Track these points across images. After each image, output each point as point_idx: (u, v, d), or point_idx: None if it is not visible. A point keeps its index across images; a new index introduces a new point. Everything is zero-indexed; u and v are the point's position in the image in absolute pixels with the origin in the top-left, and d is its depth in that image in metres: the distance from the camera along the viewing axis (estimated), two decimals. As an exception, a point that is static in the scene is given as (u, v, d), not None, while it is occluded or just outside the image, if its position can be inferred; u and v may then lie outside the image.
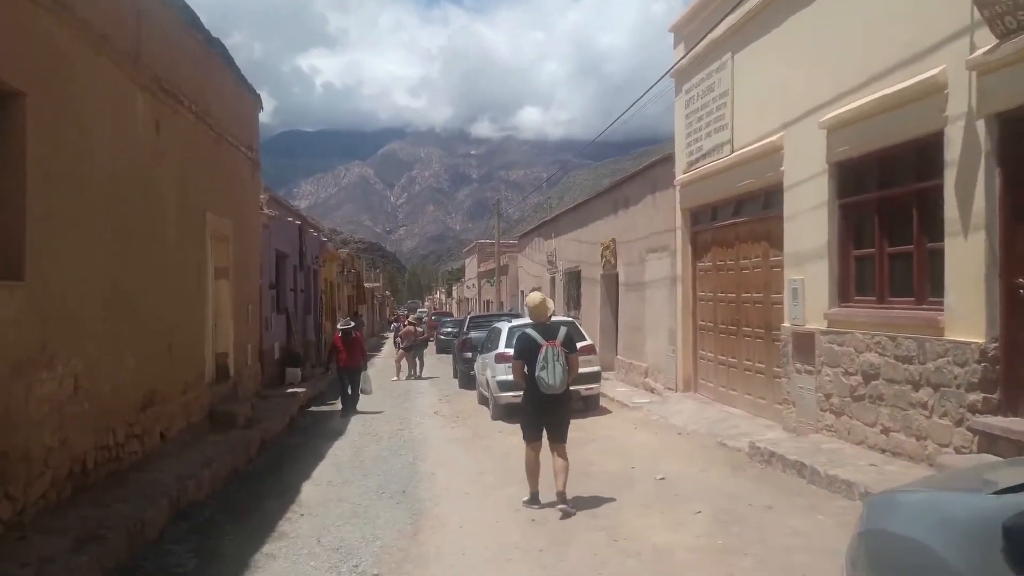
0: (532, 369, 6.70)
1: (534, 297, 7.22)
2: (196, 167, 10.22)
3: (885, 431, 7.33)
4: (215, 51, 11.00)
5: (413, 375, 21.37)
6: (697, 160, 12.01)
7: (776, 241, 9.81)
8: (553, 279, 24.15)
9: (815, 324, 8.52)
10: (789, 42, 9.22)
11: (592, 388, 12.63)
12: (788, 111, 9.13)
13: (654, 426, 11.10)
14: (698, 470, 8.03)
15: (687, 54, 11.94)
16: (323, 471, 9.15)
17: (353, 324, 15.32)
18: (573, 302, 21.40)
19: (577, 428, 11.29)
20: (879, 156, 7.57)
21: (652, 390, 13.97)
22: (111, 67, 7.34)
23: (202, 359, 10.61)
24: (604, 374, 13.91)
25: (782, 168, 9.28)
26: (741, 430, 9.69)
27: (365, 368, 15.11)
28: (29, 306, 5.73)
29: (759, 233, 10.39)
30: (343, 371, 14.47)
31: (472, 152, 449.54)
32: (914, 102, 6.83)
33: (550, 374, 6.59)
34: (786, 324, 9.17)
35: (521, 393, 7.25)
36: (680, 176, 12.66)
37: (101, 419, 7.14)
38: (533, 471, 6.96)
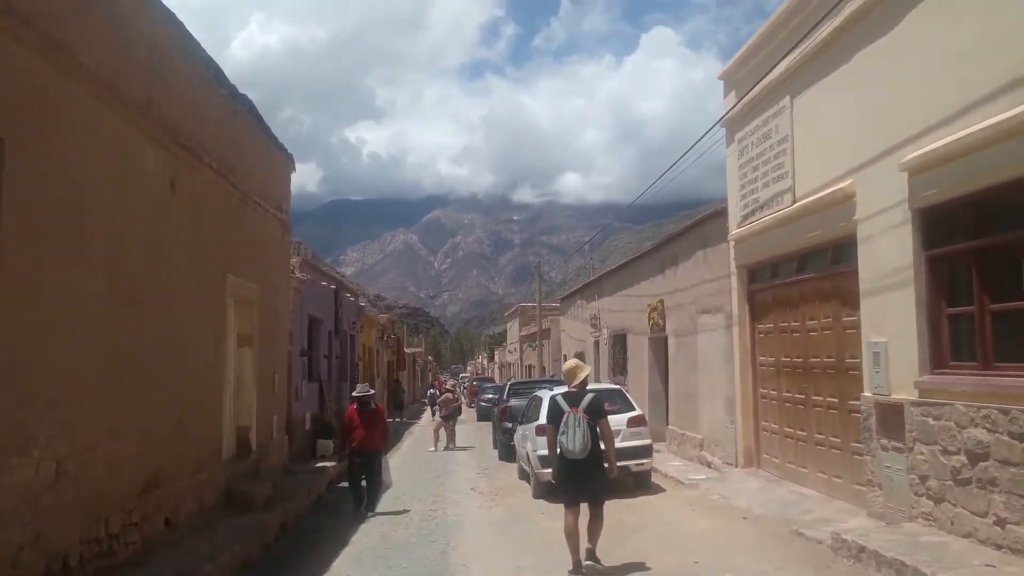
0: (557, 435, 7.03)
1: (569, 363, 7.67)
2: (216, 228, 9.63)
3: (1000, 523, 6.12)
4: (241, 108, 10.54)
5: (452, 446, 20.32)
6: (753, 212, 11.07)
7: (849, 299, 8.76)
8: (597, 343, 23.10)
9: (903, 394, 7.38)
10: (858, 78, 8.35)
11: (643, 463, 11.49)
12: (860, 154, 8.20)
13: (715, 508, 9.89)
14: (773, 567, 6.85)
15: (739, 101, 11.13)
16: (344, 563, 8.17)
17: (372, 392, 11.70)
18: (619, 367, 20.30)
19: (628, 510, 10.24)
20: (976, 199, 6.56)
21: (709, 464, 12.74)
22: (115, 117, 6.76)
23: (219, 433, 9.82)
24: (655, 445, 12.74)
25: (855, 217, 8.30)
26: (817, 515, 8.47)
27: (385, 452, 11.68)
28: (-4, 382, 4.98)
29: (828, 291, 9.34)
30: (357, 454, 10.83)
31: (514, 218, 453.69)
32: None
33: (570, 439, 6.86)
34: (867, 394, 8.04)
35: None
36: (734, 231, 11.72)
37: (91, 507, 6.32)
38: (572, 537, 7.04)
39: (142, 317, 7.38)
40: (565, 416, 6.96)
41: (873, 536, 6.80)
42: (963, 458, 6.49)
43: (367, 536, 9.54)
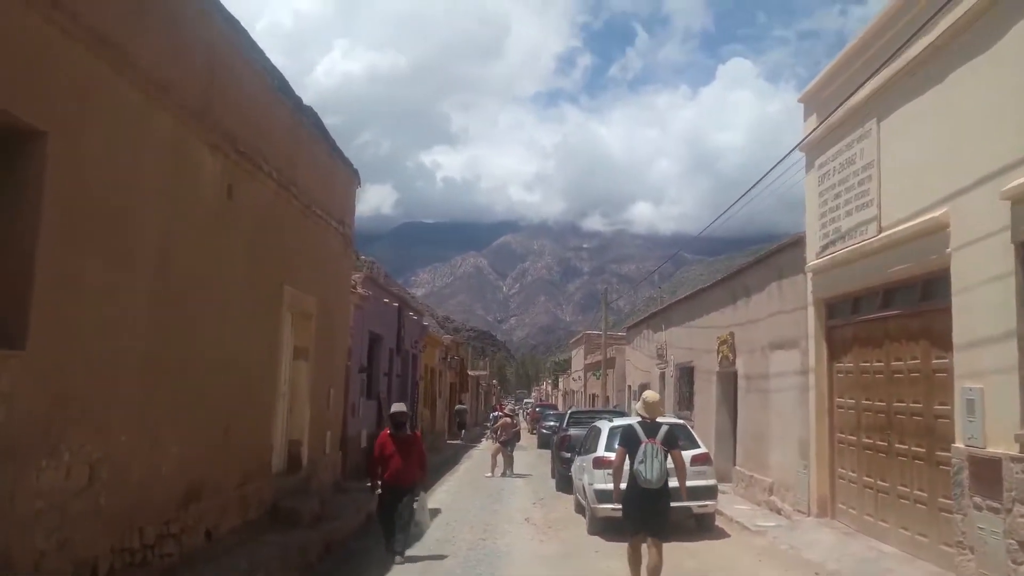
0: (632, 463, 7.21)
1: (651, 395, 7.88)
2: (275, 238, 9.54)
3: (1117, 602, 5.34)
4: (305, 119, 10.49)
5: (510, 472, 19.84)
6: (833, 243, 10.38)
7: (940, 339, 8.01)
8: (663, 374, 22.35)
9: (1002, 447, 6.62)
10: (954, 99, 7.69)
11: (707, 505, 10.79)
12: (955, 180, 7.52)
13: (784, 560, 9.16)
14: (848, 633, 6.17)
15: (820, 124, 10.51)
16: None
17: (406, 411, 9.85)
18: (685, 401, 19.52)
19: (689, 555, 9.59)
20: (1094, 231, 5.85)
21: (778, 511, 11.93)
22: (169, 119, 6.68)
23: (268, 446, 9.65)
24: (720, 486, 12.01)
25: (948, 250, 7.59)
26: (898, 576, 7.70)
27: (421, 488, 9.56)
28: (28, 379, 4.83)
29: (916, 329, 8.59)
30: (389, 488, 9.10)
31: (584, 245, 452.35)
32: None
33: (648, 468, 7.10)
34: (958, 445, 7.28)
35: (620, 506, 7.69)
36: (812, 262, 11.02)
37: (124, 516, 6.15)
38: (634, 564, 7.41)
39: (191, 323, 7.25)
40: (643, 445, 7.21)
41: (964, 606, 6.05)
42: (1073, 524, 5.73)
43: (413, 563, 9.16)
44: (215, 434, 7.94)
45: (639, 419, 7.68)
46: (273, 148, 9.25)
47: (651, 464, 7.10)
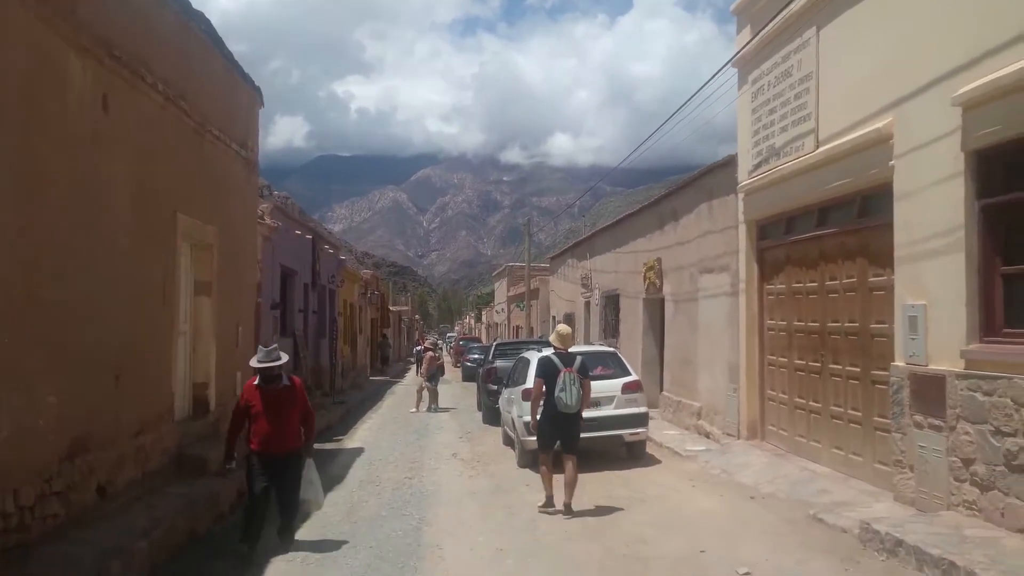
0: (552, 391, 7.87)
1: (563, 328, 8.56)
2: (165, 160, 8.47)
3: (1062, 516, 5.22)
4: (196, 24, 9.30)
5: (435, 407, 19.40)
6: (767, 160, 10.01)
7: (878, 257, 7.77)
8: (588, 304, 22.14)
9: (946, 364, 6.43)
10: (901, 2, 7.25)
11: (638, 433, 10.57)
12: (900, 88, 7.13)
13: (717, 484, 9.00)
14: (794, 561, 5.94)
15: (755, 36, 10.00)
16: (303, 538, 7.22)
17: (283, 358, 7.00)
18: (611, 329, 19.36)
19: (622, 483, 9.33)
20: (1052, 136, 5.54)
21: (708, 435, 11.86)
22: (25, 14, 5.59)
23: (169, 391, 8.78)
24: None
25: (891, 162, 7.26)
26: (836, 498, 7.57)
27: (310, 452, 7.09)
28: None
29: (853, 247, 8.34)
30: (261, 459, 6.68)
31: (504, 179, 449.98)
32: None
33: (568, 395, 7.80)
34: (899, 363, 7.08)
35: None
36: (744, 181, 10.66)
37: (-10, 477, 5.31)
38: (547, 477, 8.08)
39: (64, 257, 6.28)
40: (562, 374, 7.83)
41: (910, 527, 5.88)
42: (1021, 440, 5.56)
43: (334, 506, 8.60)
44: (103, 380, 7.05)
45: (554, 350, 8.29)
46: (157, 56, 8.10)
47: (570, 391, 7.79)
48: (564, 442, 8.03)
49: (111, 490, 7.21)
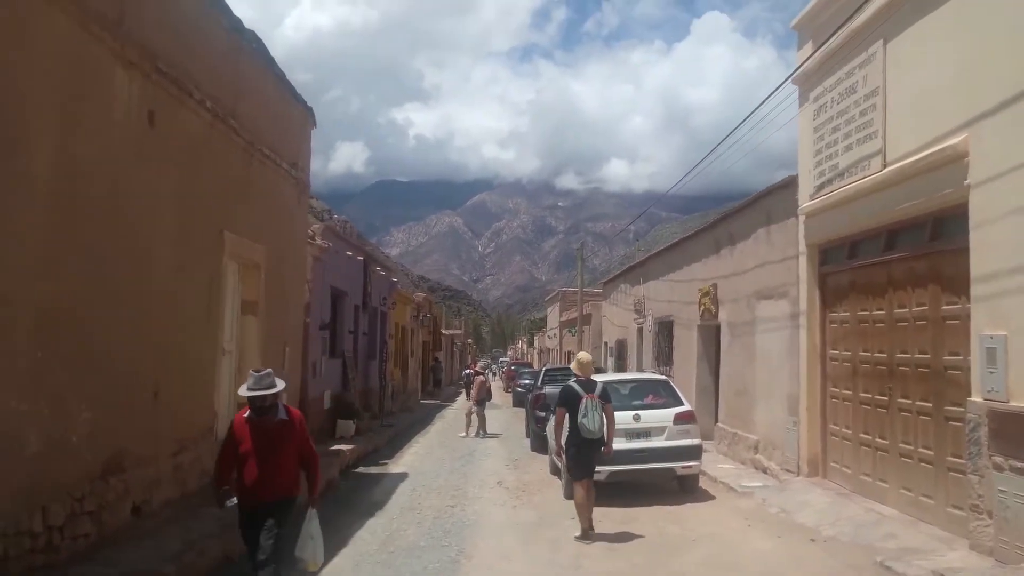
0: (575, 417, 7.94)
1: (584, 356, 8.68)
2: (212, 178, 8.49)
3: None
4: (247, 43, 9.35)
5: (482, 432, 19.09)
6: (830, 182, 9.53)
7: (952, 284, 7.23)
8: (640, 330, 21.63)
9: (1031, 401, 5.87)
10: (975, 13, 6.80)
11: (691, 466, 10.07)
12: (976, 104, 6.64)
13: (774, 524, 8.46)
14: (859, 613, 5.44)
15: (818, 49, 9.57)
16: (337, 568, 6.99)
17: (277, 388, 5.49)
18: (664, 357, 18.82)
19: (672, 519, 8.86)
20: None
21: (764, 470, 11.27)
22: (68, 22, 5.59)
23: (211, 410, 8.72)
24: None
25: (966, 182, 6.75)
26: (904, 543, 6.99)
27: (315, 502, 5.74)
28: None
29: (924, 273, 7.80)
30: (249, 507, 5.42)
31: (559, 204, 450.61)
32: None
33: (591, 421, 7.88)
34: (975, 399, 6.52)
35: (600, 469, 8.60)
36: (805, 204, 10.18)
37: (17, 495, 5.21)
38: (583, 508, 7.92)
39: (102, 270, 6.24)
40: (583, 401, 7.94)
41: (990, 581, 5.33)
42: (1119, 488, 4.99)
43: (372, 534, 8.37)
44: (140, 397, 6.98)
45: (575, 378, 8.35)
46: (206, 73, 8.14)
47: (592, 417, 7.88)
48: (590, 469, 8.14)
49: (146, 510, 7.13)
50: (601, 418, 7.93)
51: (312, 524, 5.56)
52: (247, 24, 9.04)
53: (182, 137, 7.66)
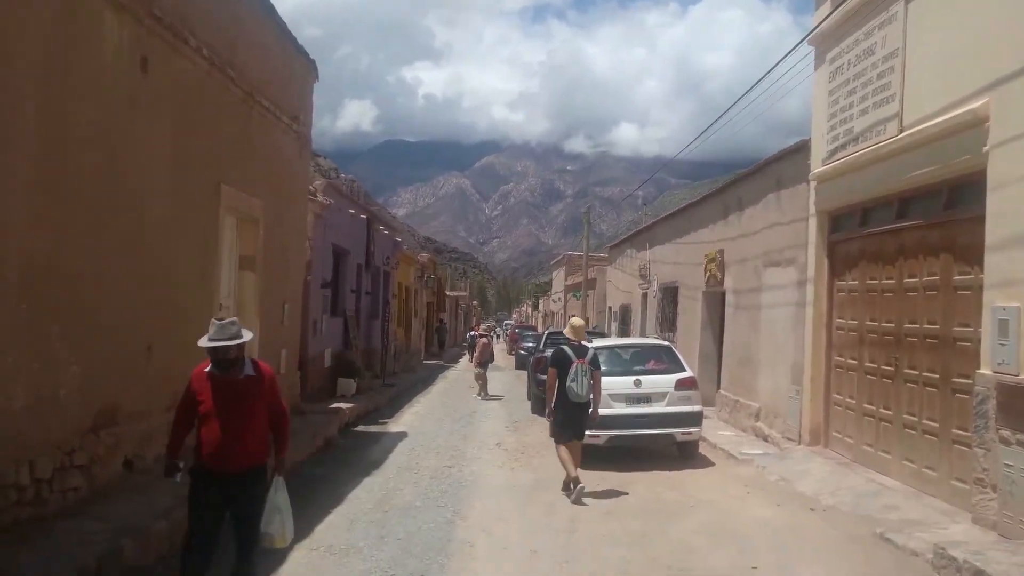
0: (564, 380, 8.16)
1: (576, 321, 8.98)
2: (209, 128, 8.28)
3: None
4: (246, -8, 9.08)
5: (484, 395, 19.06)
6: (844, 146, 9.27)
7: (966, 253, 7.03)
8: (645, 295, 21.48)
9: (1042, 374, 5.71)
10: (1006, -31, 6.49)
11: (691, 432, 9.98)
12: (999, 67, 6.38)
13: (774, 492, 8.38)
14: (857, 585, 5.36)
15: (835, 9, 9.24)
16: (331, 526, 6.93)
17: (244, 339, 4.62)
18: (668, 323, 18.68)
19: (671, 485, 8.79)
20: None
21: (766, 438, 11.18)
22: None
23: (205, 365, 8.60)
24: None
25: (985, 148, 6.51)
26: (906, 515, 6.90)
27: (282, 469, 4.87)
28: None
29: (936, 242, 7.59)
30: (209, 478, 4.56)
31: (568, 167, 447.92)
32: None
33: (579, 386, 8.12)
34: (985, 371, 6.36)
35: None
36: (817, 168, 9.93)
37: (5, 448, 5.12)
38: (566, 461, 8.18)
39: (93, 222, 6.08)
40: (574, 365, 8.13)
41: (992, 556, 5.22)
42: None
43: (368, 492, 8.33)
44: (133, 352, 6.88)
45: (567, 342, 8.48)
46: (203, 19, 7.88)
47: (581, 382, 8.10)
48: (576, 430, 8.31)
49: (139, 464, 7.07)
50: (589, 383, 8.13)
51: (280, 495, 4.74)
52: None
53: (177, 86, 7.45)
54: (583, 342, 8.53)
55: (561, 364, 8.22)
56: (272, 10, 9.89)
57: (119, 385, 6.62)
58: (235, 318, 4.69)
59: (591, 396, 8.23)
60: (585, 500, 7.95)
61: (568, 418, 8.24)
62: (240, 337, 4.58)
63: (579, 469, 8.37)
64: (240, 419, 4.55)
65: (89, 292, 6.08)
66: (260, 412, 4.67)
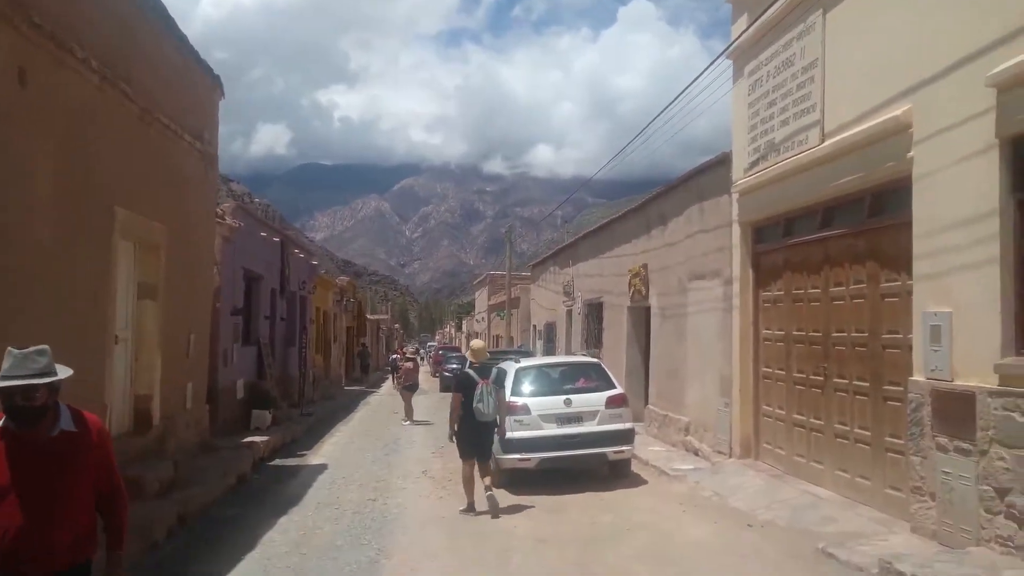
0: (470, 402, 8.38)
1: (477, 343, 9.48)
2: (100, 147, 7.59)
3: (1121, 559, 4.44)
4: (145, 3, 8.43)
5: (410, 420, 18.43)
6: (765, 157, 9.27)
7: (893, 260, 7.02)
8: (570, 312, 21.35)
9: (976, 380, 5.67)
10: (920, -24, 6.54)
11: (623, 451, 9.74)
12: (920, 69, 6.40)
13: (709, 509, 8.18)
14: (807, 608, 5.13)
15: (753, 23, 9.27)
16: (244, 571, 6.32)
17: (55, 378, 3.06)
18: (593, 339, 18.56)
19: (605, 507, 8.49)
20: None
21: (696, 452, 11.05)
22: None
23: (99, 403, 7.81)
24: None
25: (909, 154, 6.51)
26: (844, 527, 6.78)
27: (117, 567, 3.30)
28: None
29: (862, 250, 7.58)
30: None
31: (487, 188, 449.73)
32: None
33: (486, 405, 8.37)
34: (918, 378, 6.31)
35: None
36: (739, 180, 9.91)
37: None
38: (469, 483, 8.47)
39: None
40: (479, 387, 8.40)
41: (939, 568, 5.09)
42: (1070, 469, 4.80)
43: (284, 533, 7.71)
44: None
45: (469, 364, 8.90)
46: (91, 30, 7.22)
47: (487, 401, 8.35)
48: (480, 450, 8.55)
49: None
50: (494, 402, 8.42)
51: None
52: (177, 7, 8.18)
53: (62, 100, 6.76)
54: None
55: (466, 387, 8.49)
56: (171, 23, 9.24)
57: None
58: (45, 346, 3.15)
59: (496, 415, 8.52)
60: (517, 527, 7.58)
61: (475, 437, 8.49)
62: (51, 374, 3.09)
63: (497, 489, 8.56)
64: (50, 498, 3.08)
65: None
66: (82, 486, 3.20)
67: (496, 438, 9.61)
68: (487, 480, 8.41)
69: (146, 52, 8.73)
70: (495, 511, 8.10)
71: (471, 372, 8.59)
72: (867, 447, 7.41)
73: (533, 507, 8.50)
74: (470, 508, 8.35)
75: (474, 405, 8.32)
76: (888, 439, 7.05)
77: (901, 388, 6.64)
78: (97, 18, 7.49)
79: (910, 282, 6.57)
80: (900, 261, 6.79)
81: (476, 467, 8.48)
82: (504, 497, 9.10)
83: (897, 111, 6.61)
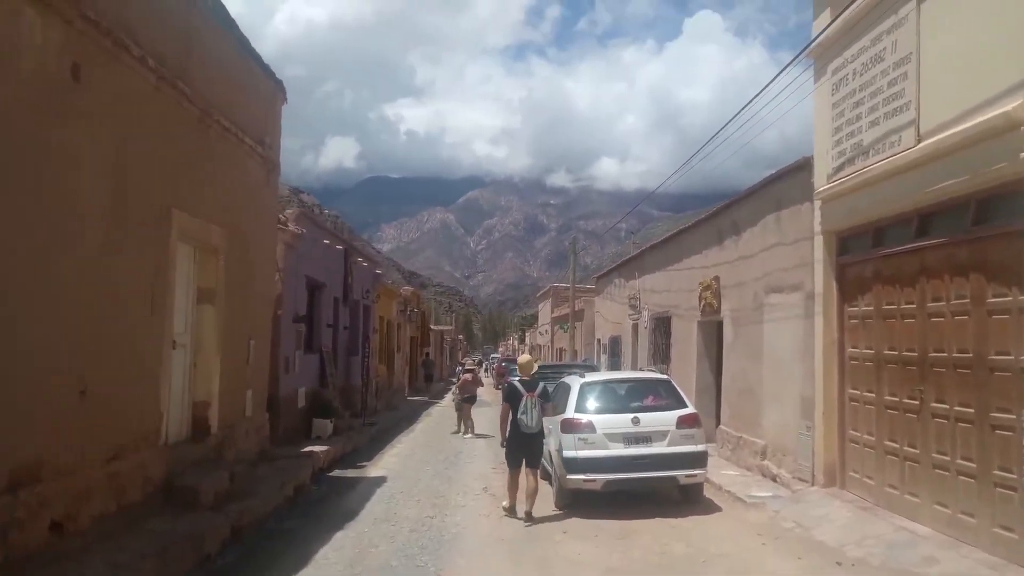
0: (515, 413, 8.83)
1: (524, 358, 9.97)
2: (157, 147, 7.48)
3: None
4: (204, 3, 8.34)
5: (470, 433, 18.10)
6: (851, 161, 8.60)
7: (1001, 272, 6.31)
8: (636, 326, 20.70)
9: (1109, 408, 4.95)
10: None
11: (695, 475, 9.14)
12: (1037, 62, 5.72)
13: (792, 541, 7.52)
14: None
15: (837, 17, 8.63)
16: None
17: None
18: (661, 354, 17.88)
19: (677, 535, 7.89)
20: None
21: (774, 478, 10.34)
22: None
23: (155, 410, 7.70)
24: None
25: (1022, 154, 5.82)
26: (947, 570, 6.08)
27: None
28: None
29: (965, 261, 6.87)
30: None
31: (551, 202, 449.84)
32: None
33: (529, 418, 8.77)
34: (1035, 404, 5.60)
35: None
36: (822, 186, 9.25)
37: None
38: (513, 489, 8.97)
39: (12, 249, 5.24)
40: (524, 399, 8.82)
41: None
42: None
43: (339, 551, 7.41)
44: (62, 396, 5.98)
45: (519, 378, 9.25)
46: (149, 27, 7.13)
47: (531, 414, 8.77)
48: (527, 459, 8.91)
49: (71, 527, 6.12)
50: (539, 415, 8.82)
51: None
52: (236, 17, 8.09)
53: (118, 97, 6.65)
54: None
55: (512, 399, 8.96)
56: (232, 24, 9.16)
57: (44, 435, 5.72)
58: None
59: (541, 427, 8.93)
60: (582, 554, 7.08)
61: (520, 446, 8.90)
62: None
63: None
64: None
65: (6, 327, 5.21)
66: None
67: (560, 457, 9.20)
68: (530, 501, 8.76)
69: (205, 53, 8.64)
70: (528, 518, 8.60)
71: (517, 385, 9.04)
72: (972, 480, 6.67)
73: (598, 533, 8.01)
74: (511, 511, 8.90)
75: (518, 416, 8.78)
76: (997, 472, 6.31)
77: (1013, 416, 5.94)
78: (155, 17, 7.39)
79: (1022, 297, 5.86)
80: (1011, 274, 6.09)
81: (525, 473, 8.86)
82: (568, 520, 8.66)
83: (1007, 106, 5.93)
